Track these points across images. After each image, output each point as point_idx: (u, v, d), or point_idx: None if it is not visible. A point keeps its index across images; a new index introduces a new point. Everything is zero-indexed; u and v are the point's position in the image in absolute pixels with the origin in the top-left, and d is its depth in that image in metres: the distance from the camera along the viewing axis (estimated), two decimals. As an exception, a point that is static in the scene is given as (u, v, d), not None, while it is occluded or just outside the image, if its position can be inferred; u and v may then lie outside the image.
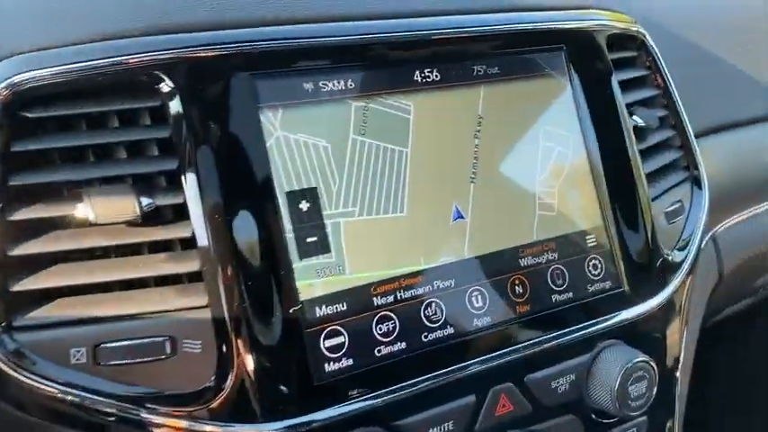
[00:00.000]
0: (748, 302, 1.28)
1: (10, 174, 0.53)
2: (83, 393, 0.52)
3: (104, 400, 0.52)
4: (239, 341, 0.54)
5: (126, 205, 0.53)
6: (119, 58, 0.54)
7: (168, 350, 0.54)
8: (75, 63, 0.54)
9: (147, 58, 0.55)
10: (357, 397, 0.58)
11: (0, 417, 0.53)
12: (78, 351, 0.52)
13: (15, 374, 0.51)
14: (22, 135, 0.54)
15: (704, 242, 0.88)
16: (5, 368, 0.51)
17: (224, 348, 0.54)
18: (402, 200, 0.63)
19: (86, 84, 0.55)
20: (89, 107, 0.55)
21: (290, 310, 0.56)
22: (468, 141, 0.67)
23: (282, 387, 0.55)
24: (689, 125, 0.86)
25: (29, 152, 0.54)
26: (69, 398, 0.52)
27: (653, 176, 0.80)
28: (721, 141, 0.94)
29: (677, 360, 0.78)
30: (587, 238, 0.71)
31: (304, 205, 0.59)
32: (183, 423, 0.53)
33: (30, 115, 0.54)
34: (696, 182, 0.86)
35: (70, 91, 0.55)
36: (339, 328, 0.58)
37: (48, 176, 0.54)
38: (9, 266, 0.53)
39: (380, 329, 0.60)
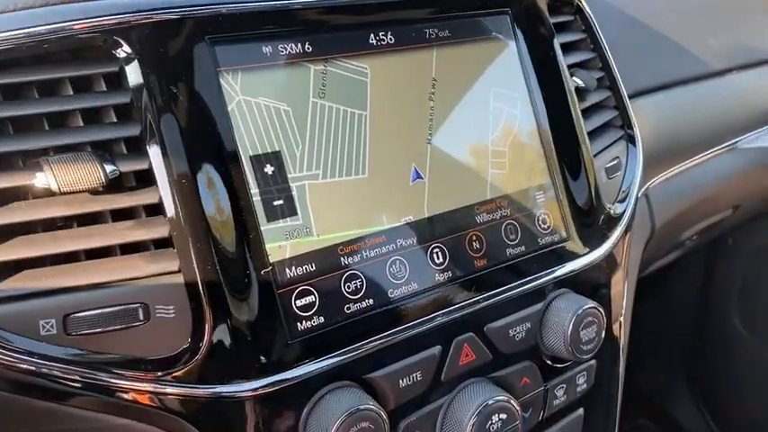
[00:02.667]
0: (673, 257, 1.37)
1: (-38, 145, 0.52)
2: (54, 364, 0.51)
3: (78, 369, 0.52)
4: (213, 304, 0.55)
5: (89, 172, 0.52)
6: (72, 23, 0.53)
7: (141, 317, 0.53)
8: (26, 29, 0.52)
9: (103, 23, 0.54)
10: (329, 353, 0.59)
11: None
12: (48, 322, 0.52)
13: (-17, 349, 0.50)
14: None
15: (638, 198, 0.93)
16: (-28, 344, 0.50)
17: (198, 312, 0.55)
18: (363, 162, 0.64)
19: (38, 50, 0.53)
20: (41, 74, 0.54)
21: (261, 272, 0.57)
22: (423, 103, 0.69)
23: (257, 347, 0.56)
24: (623, 86, 0.90)
25: None
26: (41, 369, 0.51)
27: (592, 135, 0.84)
28: (653, 102, 1.00)
29: (620, 308, 0.84)
30: (536, 194, 0.75)
31: (269, 169, 0.59)
32: (160, 387, 0.53)
33: (-21, 83, 0.52)
34: (631, 140, 0.91)
35: (21, 58, 0.53)
36: (309, 287, 0.59)
37: (3, 146, 0.52)
38: (-31, 240, 0.51)
39: (348, 288, 0.61)
